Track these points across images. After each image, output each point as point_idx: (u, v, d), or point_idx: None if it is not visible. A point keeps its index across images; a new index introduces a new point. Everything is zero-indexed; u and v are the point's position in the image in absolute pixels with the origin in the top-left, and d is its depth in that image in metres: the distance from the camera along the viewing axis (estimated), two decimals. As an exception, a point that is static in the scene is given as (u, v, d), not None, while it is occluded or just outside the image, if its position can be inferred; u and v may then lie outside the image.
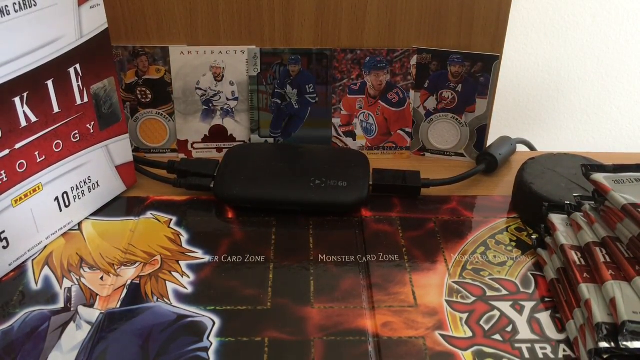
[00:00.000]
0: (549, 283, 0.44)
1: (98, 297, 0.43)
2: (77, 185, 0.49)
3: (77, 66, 0.46)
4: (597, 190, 0.43)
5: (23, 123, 0.43)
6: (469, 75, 0.57)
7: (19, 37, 0.41)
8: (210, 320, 0.41)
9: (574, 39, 0.81)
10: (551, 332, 0.40)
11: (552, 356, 0.39)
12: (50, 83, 0.44)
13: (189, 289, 0.44)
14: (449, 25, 0.56)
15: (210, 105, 0.59)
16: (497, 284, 0.45)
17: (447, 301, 0.43)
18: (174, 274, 0.45)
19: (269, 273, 0.45)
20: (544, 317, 0.42)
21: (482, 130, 0.59)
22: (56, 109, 0.45)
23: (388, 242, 0.49)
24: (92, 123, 0.49)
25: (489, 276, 0.45)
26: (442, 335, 0.40)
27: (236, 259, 0.47)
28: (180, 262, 0.46)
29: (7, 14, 0.40)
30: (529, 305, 0.43)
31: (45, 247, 0.48)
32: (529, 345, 0.39)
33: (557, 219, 0.45)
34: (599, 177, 0.43)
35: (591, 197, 0.44)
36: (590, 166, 0.44)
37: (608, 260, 0.39)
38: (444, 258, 0.47)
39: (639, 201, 0.40)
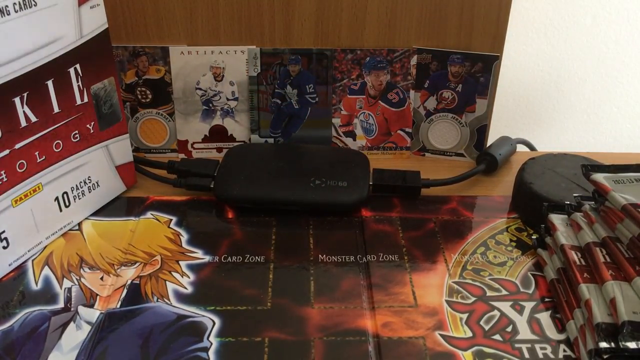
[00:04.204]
0: (549, 283, 0.44)
1: (98, 297, 0.43)
2: (77, 185, 0.49)
3: (77, 66, 0.46)
4: (597, 191, 0.43)
5: (23, 123, 0.43)
6: (469, 75, 0.57)
7: (19, 37, 0.41)
8: (210, 320, 0.41)
9: (574, 39, 0.81)
10: (551, 332, 0.40)
11: (552, 356, 0.39)
12: (50, 83, 0.44)
13: (189, 289, 0.44)
14: (449, 25, 0.56)
15: (210, 105, 0.59)
16: (497, 284, 0.45)
17: (447, 301, 0.43)
18: (174, 274, 0.45)
19: (269, 273, 0.45)
20: (544, 317, 0.42)
21: (482, 130, 0.59)
22: (56, 109, 0.45)
23: (388, 242, 0.49)
24: (92, 123, 0.49)
25: (489, 276, 0.45)
26: (442, 336, 0.40)
27: (236, 259, 0.47)
28: (180, 262, 0.46)
29: (7, 14, 0.40)
30: (529, 305, 0.43)
31: (45, 247, 0.48)
32: (529, 345, 0.39)
33: (557, 219, 0.45)
34: (599, 177, 0.43)
35: (591, 197, 0.44)
36: (590, 166, 0.44)
37: (608, 260, 0.39)
38: (444, 258, 0.47)
39: (639, 201, 0.40)
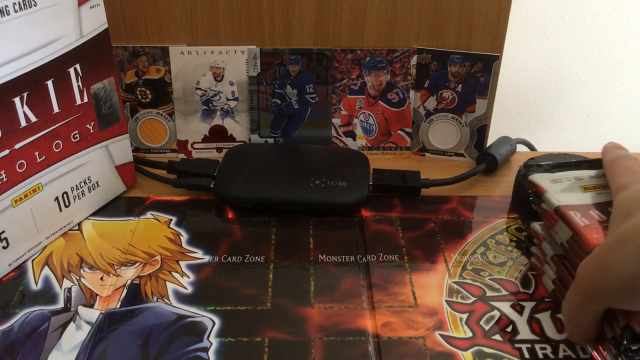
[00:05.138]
0: (551, 293, 0.43)
1: (98, 297, 0.43)
2: (77, 185, 0.49)
3: (77, 66, 0.46)
4: (535, 192, 0.43)
5: (23, 123, 0.43)
6: (469, 75, 0.57)
7: (19, 37, 0.41)
8: (210, 320, 0.41)
9: (574, 39, 0.81)
10: (551, 332, 0.40)
11: (552, 356, 0.39)
12: (50, 83, 0.44)
13: (189, 289, 0.44)
14: (449, 25, 0.56)
15: (210, 105, 0.59)
16: (497, 284, 0.45)
17: (447, 301, 0.43)
18: (174, 274, 0.45)
19: (269, 273, 0.45)
20: (544, 317, 0.42)
21: (482, 130, 0.59)
22: (56, 109, 0.45)
23: (388, 242, 0.49)
24: (92, 123, 0.49)
25: (489, 276, 0.45)
26: (442, 336, 0.40)
27: (236, 259, 0.47)
28: (180, 262, 0.46)
29: (7, 14, 0.40)
30: (529, 305, 0.43)
31: (45, 247, 0.48)
32: (529, 345, 0.39)
33: (539, 227, 0.45)
34: (537, 177, 0.43)
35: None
36: (529, 166, 0.44)
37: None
38: (444, 258, 0.47)
39: (573, 203, 0.40)
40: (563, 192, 0.41)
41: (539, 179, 0.43)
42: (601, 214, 0.38)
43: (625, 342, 0.34)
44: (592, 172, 0.43)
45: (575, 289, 0.36)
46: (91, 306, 0.42)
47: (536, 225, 0.45)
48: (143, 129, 0.60)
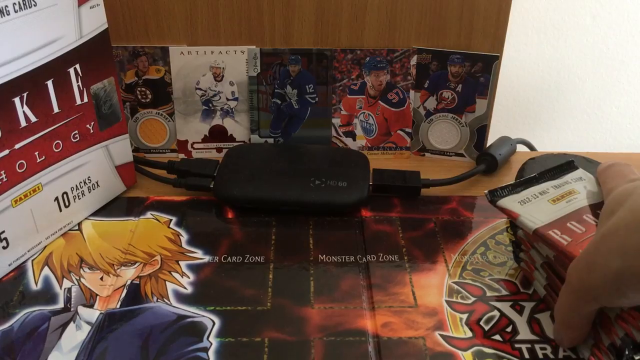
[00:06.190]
0: (544, 298, 0.43)
1: (98, 297, 0.43)
2: (77, 185, 0.49)
3: (77, 66, 0.46)
4: (508, 217, 0.42)
5: (23, 123, 0.43)
6: (469, 75, 0.57)
7: (18, 37, 0.41)
8: (210, 320, 0.41)
9: (574, 39, 0.81)
10: (551, 332, 0.40)
11: (552, 356, 0.39)
12: (50, 83, 0.44)
13: (189, 289, 0.44)
14: (449, 25, 0.56)
15: (210, 105, 0.59)
16: (497, 284, 0.45)
17: (447, 301, 0.43)
18: (173, 274, 0.45)
19: (269, 273, 0.45)
20: (544, 317, 0.42)
21: (482, 130, 0.59)
22: (56, 109, 0.45)
23: (388, 242, 0.49)
24: (92, 123, 0.49)
25: (489, 276, 0.45)
26: (442, 336, 0.40)
27: (236, 259, 0.47)
28: (180, 262, 0.46)
29: (7, 14, 0.40)
30: (529, 306, 0.43)
31: (45, 247, 0.48)
32: (529, 345, 0.39)
33: (525, 235, 0.44)
34: (505, 202, 0.42)
35: None
36: (492, 191, 0.43)
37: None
38: (444, 258, 0.47)
39: (549, 221, 0.39)
40: (535, 211, 0.40)
41: (508, 203, 0.42)
42: (579, 225, 0.38)
43: (627, 353, 0.34)
44: (554, 182, 0.43)
45: (566, 290, 0.36)
46: (91, 306, 0.42)
47: (522, 233, 0.44)
48: (143, 129, 0.60)
